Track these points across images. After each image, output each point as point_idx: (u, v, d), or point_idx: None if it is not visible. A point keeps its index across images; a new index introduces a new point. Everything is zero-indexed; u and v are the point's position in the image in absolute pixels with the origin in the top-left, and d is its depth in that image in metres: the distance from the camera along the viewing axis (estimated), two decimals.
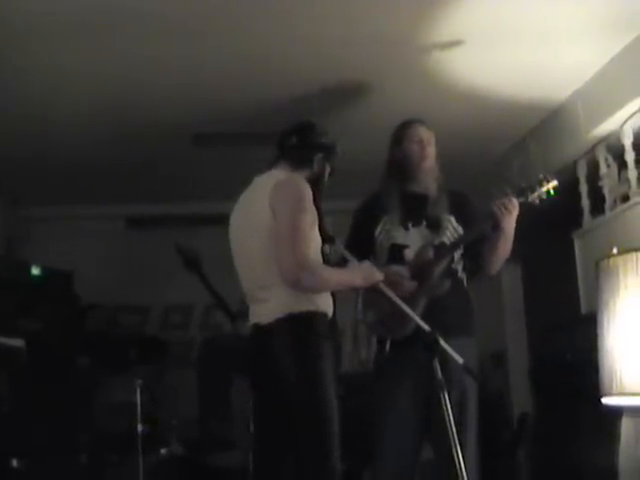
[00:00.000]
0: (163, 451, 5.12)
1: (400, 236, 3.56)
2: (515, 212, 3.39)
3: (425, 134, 3.63)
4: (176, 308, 6.87)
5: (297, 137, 3.18)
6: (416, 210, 3.57)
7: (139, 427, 4.67)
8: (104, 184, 6.14)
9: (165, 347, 5.77)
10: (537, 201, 3.45)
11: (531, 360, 5.97)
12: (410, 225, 3.56)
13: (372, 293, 3.24)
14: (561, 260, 5.26)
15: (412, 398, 3.39)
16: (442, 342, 2.80)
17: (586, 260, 4.95)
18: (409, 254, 3.53)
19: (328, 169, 3.23)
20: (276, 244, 2.89)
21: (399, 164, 3.63)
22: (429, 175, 3.61)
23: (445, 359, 2.84)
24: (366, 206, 3.70)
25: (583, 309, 4.94)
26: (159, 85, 4.49)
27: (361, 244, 3.55)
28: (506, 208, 3.37)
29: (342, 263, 3.17)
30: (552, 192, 3.46)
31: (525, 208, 3.44)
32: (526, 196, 3.43)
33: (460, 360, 2.83)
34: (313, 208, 2.99)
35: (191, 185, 6.28)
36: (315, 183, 3.13)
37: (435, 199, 3.59)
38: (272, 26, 3.87)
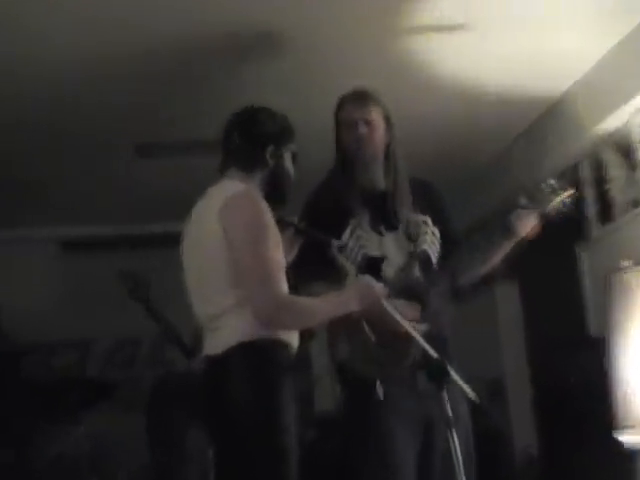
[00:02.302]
0: None
1: (374, 245, 3.38)
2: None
3: (361, 113, 3.45)
4: (121, 343, 6.85)
5: (239, 135, 3.15)
6: (385, 211, 3.43)
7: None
8: (34, 203, 6.12)
9: (109, 388, 5.75)
10: (553, 213, 3.44)
11: (533, 389, 6.00)
12: (383, 230, 3.43)
13: (345, 323, 3.10)
14: (564, 275, 5.31)
15: (411, 438, 3.28)
16: (452, 372, 2.78)
17: (593, 274, 4.98)
18: (388, 269, 3.34)
19: (288, 156, 3.19)
20: (238, 276, 2.90)
21: (342, 155, 3.50)
22: (375, 165, 3.47)
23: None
24: (322, 207, 3.44)
25: (591, 330, 4.97)
26: (95, 87, 4.49)
27: (321, 263, 3.30)
28: (525, 223, 3.39)
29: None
30: (568, 201, 3.46)
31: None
32: (543, 207, 3.42)
33: (472, 395, 2.82)
34: (273, 226, 2.98)
35: (136, 202, 6.27)
36: (276, 180, 3.14)
37: (400, 196, 3.45)
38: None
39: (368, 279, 3.05)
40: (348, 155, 3.47)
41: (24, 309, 6.13)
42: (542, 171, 5.38)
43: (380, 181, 3.48)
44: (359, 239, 3.36)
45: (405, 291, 3.31)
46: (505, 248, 3.44)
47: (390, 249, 3.39)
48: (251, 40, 4.15)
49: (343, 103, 3.50)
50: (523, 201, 3.43)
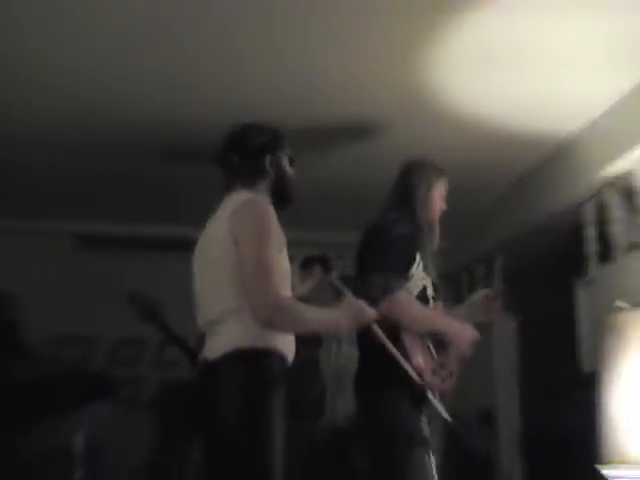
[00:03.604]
0: None
1: (425, 279, 3.67)
2: None
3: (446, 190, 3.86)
4: (126, 341, 6.79)
5: (234, 153, 3.19)
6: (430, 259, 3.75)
7: (77, 474, 4.60)
8: (52, 196, 6.12)
9: (111, 385, 5.66)
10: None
11: (523, 425, 6.01)
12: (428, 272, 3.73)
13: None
14: (562, 312, 5.30)
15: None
16: (431, 397, 2.82)
17: (590, 314, 4.99)
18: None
19: (286, 161, 3.24)
20: (242, 279, 2.90)
21: (425, 211, 3.75)
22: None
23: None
24: (409, 237, 3.68)
25: (585, 369, 4.94)
26: (128, 95, 4.57)
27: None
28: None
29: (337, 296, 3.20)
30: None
31: None
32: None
33: (449, 419, 2.83)
34: (279, 231, 3.01)
35: (154, 205, 6.27)
36: (281, 186, 3.19)
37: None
38: (259, 56, 4.10)
39: (361, 302, 3.08)
40: (430, 216, 3.77)
41: (37, 300, 6.02)
42: (546, 210, 5.49)
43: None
44: (421, 271, 3.63)
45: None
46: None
47: (429, 289, 3.67)
48: None
49: (440, 176, 3.82)
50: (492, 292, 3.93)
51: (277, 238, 2.98)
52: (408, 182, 3.76)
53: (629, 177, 4.67)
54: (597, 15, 3.69)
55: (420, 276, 3.61)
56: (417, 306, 3.53)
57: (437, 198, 3.78)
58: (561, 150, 5.16)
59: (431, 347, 3.53)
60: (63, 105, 4.75)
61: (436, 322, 3.58)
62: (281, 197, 3.18)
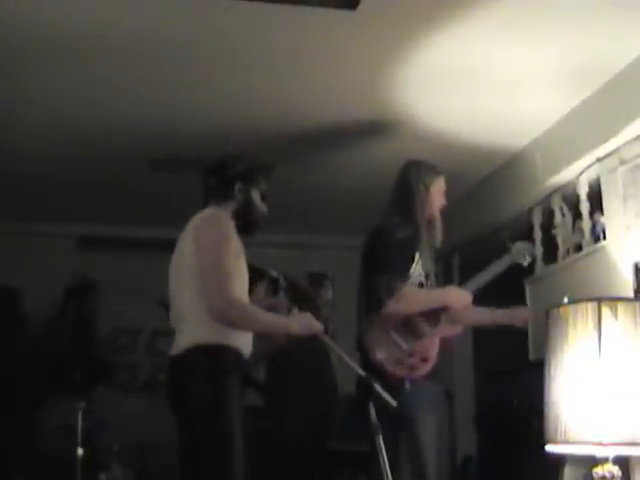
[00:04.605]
0: (102, 477, 5.07)
1: (422, 276, 3.70)
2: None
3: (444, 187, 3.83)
4: (123, 331, 6.76)
5: (214, 176, 3.30)
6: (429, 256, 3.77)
7: (79, 450, 4.60)
8: (57, 201, 6.11)
9: (110, 370, 5.68)
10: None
11: (477, 404, 6.04)
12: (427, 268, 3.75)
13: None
14: (512, 306, 5.26)
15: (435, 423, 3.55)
16: (377, 387, 2.84)
17: (537, 307, 4.89)
18: None
19: (256, 193, 3.32)
20: (201, 282, 2.98)
21: (426, 212, 3.75)
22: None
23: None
24: (409, 240, 3.70)
25: (531, 356, 4.98)
26: (120, 109, 4.53)
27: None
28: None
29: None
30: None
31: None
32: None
33: (394, 403, 2.86)
34: (237, 241, 3.09)
35: (147, 209, 6.27)
36: (245, 211, 3.27)
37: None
38: (243, 66, 4.01)
39: (309, 315, 3.15)
40: (429, 213, 3.76)
41: (42, 294, 6.04)
42: (499, 215, 5.50)
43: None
44: (420, 269, 3.67)
45: None
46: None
47: (425, 284, 3.73)
48: None
49: (437, 174, 3.82)
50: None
51: (235, 246, 3.07)
52: (406, 182, 3.77)
53: (573, 185, 4.68)
54: (544, 42, 3.72)
55: (417, 273, 3.65)
56: (418, 293, 3.61)
57: (436, 194, 3.78)
58: (513, 161, 5.18)
59: (398, 339, 3.55)
60: (70, 131, 4.82)
61: (437, 298, 3.67)
62: (244, 221, 3.25)
